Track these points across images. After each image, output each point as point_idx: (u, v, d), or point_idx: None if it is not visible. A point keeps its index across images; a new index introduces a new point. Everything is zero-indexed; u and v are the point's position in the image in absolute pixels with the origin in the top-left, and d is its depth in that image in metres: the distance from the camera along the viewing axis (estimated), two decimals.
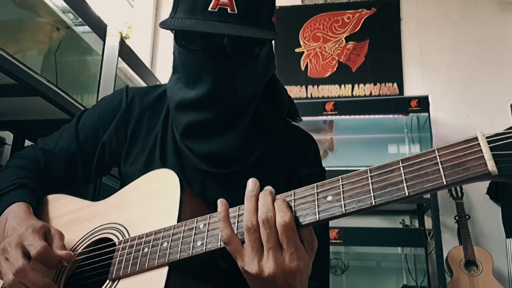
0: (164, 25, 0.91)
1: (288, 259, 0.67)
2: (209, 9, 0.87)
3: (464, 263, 3.17)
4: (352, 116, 3.60)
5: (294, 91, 4.09)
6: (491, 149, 0.53)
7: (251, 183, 0.73)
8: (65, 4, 2.16)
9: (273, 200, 0.69)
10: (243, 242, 0.70)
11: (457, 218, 3.36)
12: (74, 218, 0.99)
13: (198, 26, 0.86)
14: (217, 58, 0.91)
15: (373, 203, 0.61)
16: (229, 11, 0.87)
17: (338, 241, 3.13)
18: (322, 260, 1.02)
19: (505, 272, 3.29)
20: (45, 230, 0.87)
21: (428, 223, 3.44)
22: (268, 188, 0.72)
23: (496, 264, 3.21)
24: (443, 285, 3.00)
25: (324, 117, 3.55)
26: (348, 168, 3.29)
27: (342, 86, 4.09)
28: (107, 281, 0.83)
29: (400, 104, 3.53)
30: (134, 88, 1.15)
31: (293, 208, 0.69)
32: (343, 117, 3.57)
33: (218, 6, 0.87)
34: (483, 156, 0.54)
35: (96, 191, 2.15)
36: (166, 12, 4.53)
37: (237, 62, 0.92)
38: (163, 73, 4.09)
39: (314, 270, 0.96)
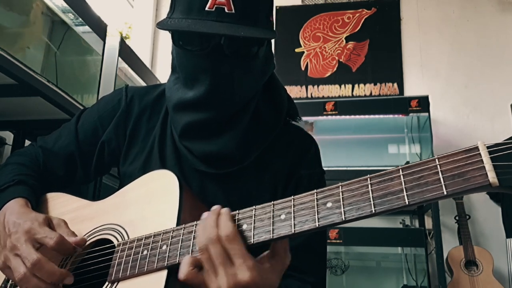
0: (161, 25, 0.91)
1: (239, 271, 0.67)
2: (206, 8, 0.87)
3: (464, 263, 3.17)
4: (352, 116, 3.60)
5: (294, 91, 4.09)
6: (492, 159, 0.53)
7: (205, 213, 0.74)
8: (65, 4, 2.16)
9: (217, 217, 0.72)
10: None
11: (457, 218, 3.36)
12: (73, 218, 0.98)
13: (195, 26, 0.86)
14: (214, 58, 0.90)
15: (373, 211, 0.61)
16: (226, 10, 0.87)
17: (338, 241, 3.12)
18: (319, 261, 1.02)
19: (505, 272, 3.29)
20: (48, 221, 0.89)
21: (428, 223, 3.44)
22: (215, 207, 0.74)
23: (496, 264, 3.20)
24: (443, 285, 3.00)
25: (324, 117, 3.55)
26: (349, 169, 3.29)
27: (342, 86, 4.09)
28: (107, 282, 0.83)
29: (400, 104, 3.53)
30: (133, 88, 1.15)
31: (237, 222, 0.72)
32: (343, 117, 3.57)
33: (215, 5, 0.87)
34: (484, 166, 0.53)
35: (96, 191, 2.15)
36: (166, 12, 4.51)
37: (235, 62, 0.92)
38: (163, 73, 4.09)
39: (307, 271, 0.96)
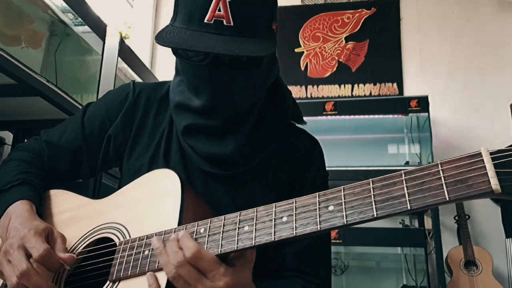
0: (160, 40, 0.89)
1: (214, 280, 0.71)
2: (205, 21, 0.86)
3: (464, 263, 3.18)
4: (352, 116, 3.60)
5: (294, 91, 4.09)
6: (495, 166, 0.53)
7: (155, 242, 0.77)
8: (65, 4, 2.16)
9: (178, 241, 0.74)
10: None
11: (456, 218, 3.36)
12: (75, 216, 0.99)
13: (191, 42, 0.85)
14: (214, 68, 0.90)
15: (375, 215, 0.61)
16: (225, 23, 0.86)
17: (338, 241, 3.13)
18: (323, 262, 1.02)
19: (505, 272, 3.29)
20: (47, 232, 0.87)
21: (428, 223, 3.44)
22: (175, 235, 0.76)
23: (496, 264, 3.21)
24: (443, 285, 3.00)
25: (324, 117, 3.55)
26: (348, 169, 3.29)
27: (342, 86, 4.09)
28: (108, 282, 0.83)
29: (400, 104, 3.53)
30: (141, 83, 1.14)
31: (207, 235, 0.75)
32: (342, 117, 3.57)
33: (214, 18, 0.85)
34: (486, 173, 0.53)
35: (95, 190, 2.14)
36: (166, 12, 4.52)
37: (235, 71, 0.91)
38: (163, 73, 4.09)
39: (312, 273, 0.97)
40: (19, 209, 0.91)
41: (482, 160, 0.54)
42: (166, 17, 4.42)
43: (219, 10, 0.86)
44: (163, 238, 0.79)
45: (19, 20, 2.13)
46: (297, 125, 1.13)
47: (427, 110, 3.43)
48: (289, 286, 0.93)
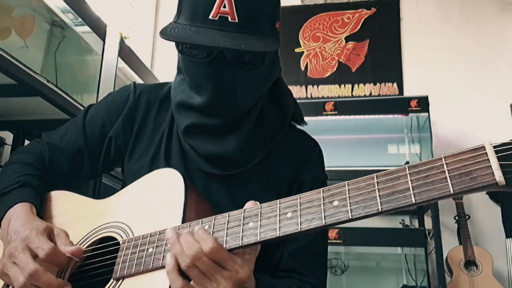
0: (164, 34, 0.90)
1: (234, 272, 0.72)
2: (210, 17, 0.86)
3: (464, 263, 3.18)
4: (352, 116, 3.60)
5: (294, 91, 4.09)
6: (499, 159, 0.54)
7: (169, 232, 0.77)
8: (65, 4, 2.16)
9: (193, 235, 0.74)
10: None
11: (457, 218, 3.36)
12: (77, 216, 0.99)
13: (197, 37, 0.85)
14: (218, 66, 0.91)
15: (380, 209, 0.61)
16: (229, 19, 0.86)
17: (338, 241, 3.13)
18: (319, 263, 1.02)
19: (505, 272, 3.29)
20: (49, 231, 0.87)
21: (428, 223, 3.44)
22: (187, 229, 0.77)
23: (496, 264, 3.21)
24: (443, 285, 3.00)
25: (324, 117, 3.55)
26: (348, 168, 3.29)
27: (342, 86, 4.09)
28: (111, 280, 0.83)
29: (400, 104, 3.53)
30: (141, 85, 1.15)
31: (211, 232, 0.75)
32: (342, 117, 3.57)
33: (219, 14, 0.86)
34: (490, 166, 0.54)
35: (96, 191, 2.14)
36: (166, 12, 4.52)
37: (238, 69, 0.92)
38: (163, 73, 4.08)
39: (308, 273, 0.97)
40: (19, 211, 0.91)
41: (486, 153, 0.55)
42: (166, 17, 4.42)
43: (224, 7, 0.86)
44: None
45: (5, 10, 2.12)
46: (297, 126, 1.13)
47: (427, 110, 3.43)
48: (285, 285, 0.93)
